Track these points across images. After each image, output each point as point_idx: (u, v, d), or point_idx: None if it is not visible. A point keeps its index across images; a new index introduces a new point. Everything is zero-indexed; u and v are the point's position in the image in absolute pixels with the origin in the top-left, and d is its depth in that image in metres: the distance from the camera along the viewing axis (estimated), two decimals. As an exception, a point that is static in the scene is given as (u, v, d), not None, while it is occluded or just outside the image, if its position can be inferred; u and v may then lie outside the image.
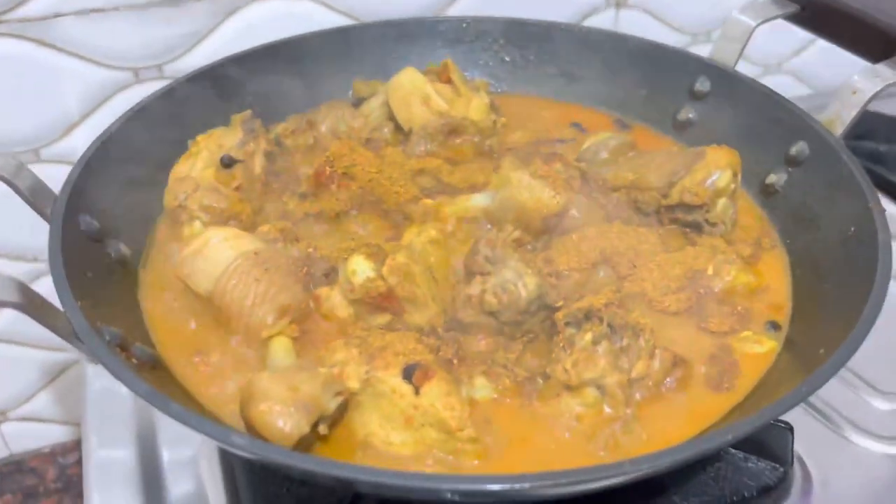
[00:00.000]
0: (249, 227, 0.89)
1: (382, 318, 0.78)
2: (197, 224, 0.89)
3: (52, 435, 1.37)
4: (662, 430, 0.71)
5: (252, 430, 0.65)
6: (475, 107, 1.04)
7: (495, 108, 1.07)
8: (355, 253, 0.78)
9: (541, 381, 0.74)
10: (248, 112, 0.98)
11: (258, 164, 0.95)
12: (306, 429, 0.64)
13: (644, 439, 0.70)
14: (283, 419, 0.63)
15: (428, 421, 0.67)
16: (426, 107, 1.01)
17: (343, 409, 0.70)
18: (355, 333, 0.74)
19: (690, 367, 0.76)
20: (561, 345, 0.74)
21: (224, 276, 0.77)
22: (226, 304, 0.77)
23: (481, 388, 0.73)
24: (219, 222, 0.89)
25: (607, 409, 0.72)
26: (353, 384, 0.69)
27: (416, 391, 0.67)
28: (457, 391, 0.69)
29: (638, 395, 0.73)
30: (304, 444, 0.66)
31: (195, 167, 0.93)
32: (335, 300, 0.79)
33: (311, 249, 0.82)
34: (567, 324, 0.74)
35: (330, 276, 0.82)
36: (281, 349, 0.75)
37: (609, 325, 0.73)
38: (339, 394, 0.68)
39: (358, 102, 1.09)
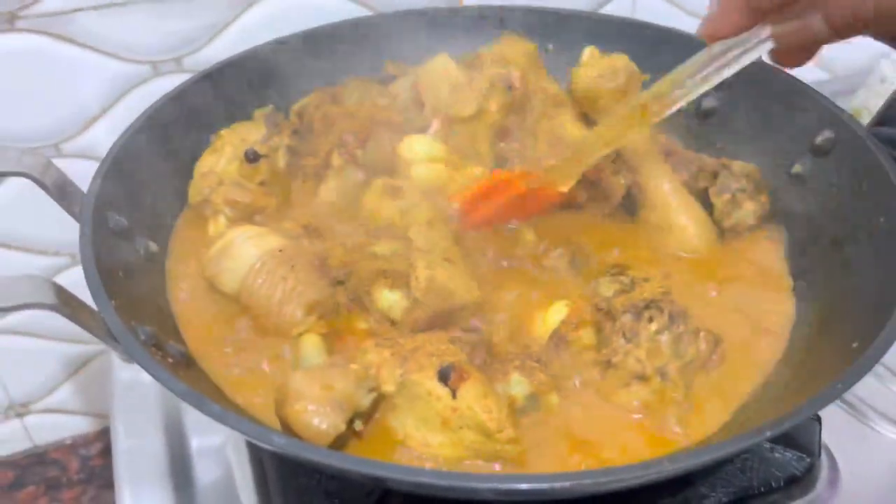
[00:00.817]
0: (275, 221, 0.89)
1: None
2: (222, 219, 0.89)
3: (75, 426, 1.38)
4: (711, 408, 0.74)
5: (287, 429, 0.65)
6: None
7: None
8: (375, 286, 0.77)
9: (597, 374, 0.75)
10: (271, 107, 0.99)
11: (282, 158, 0.95)
12: (342, 427, 0.64)
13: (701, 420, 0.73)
14: (320, 418, 0.64)
15: (466, 423, 0.67)
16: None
17: (377, 404, 0.70)
18: (385, 334, 0.74)
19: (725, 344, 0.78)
20: (621, 333, 0.74)
21: (250, 276, 0.78)
22: (254, 303, 0.78)
23: (517, 383, 0.73)
24: (244, 217, 0.89)
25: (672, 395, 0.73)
26: (389, 387, 0.69)
27: (453, 394, 0.67)
28: (493, 392, 0.69)
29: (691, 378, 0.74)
30: (340, 441, 0.67)
31: (219, 162, 0.93)
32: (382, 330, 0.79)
33: (329, 254, 0.82)
34: (625, 312, 0.75)
35: (354, 300, 0.81)
36: (311, 346, 0.75)
37: (670, 315, 0.74)
38: (372, 389, 0.68)
39: (387, 81, 1.08)
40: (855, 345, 0.66)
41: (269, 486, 0.83)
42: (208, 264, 0.81)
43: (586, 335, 0.77)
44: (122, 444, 0.91)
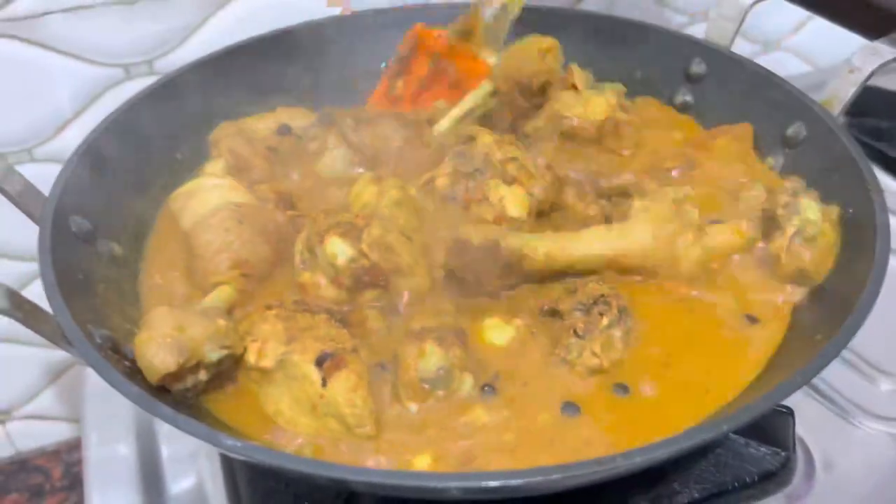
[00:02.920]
0: (259, 181, 0.92)
1: (371, 294, 0.79)
2: (221, 163, 0.94)
3: (58, 433, 1.38)
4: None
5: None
6: (594, 105, 0.99)
7: (624, 108, 1.01)
8: (329, 234, 0.78)
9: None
10: (336, 108, 1.02)
11: (311, 143, 0.98)
12: (172, 367, 0.66)
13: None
14: (154, 351, 0.66)
15: (330, 412, 0.68)
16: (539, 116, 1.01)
17: (234, 363, 0.71)
18: (287, 306, 0.74)
19: None
20: (572, 331, 0.74)
21: (203, 219, 0.82)
22: (194, 245, 0.82)
23: (431, 354, 0.72)
24: (239, 167, 0.93)
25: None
26: (269, 363, 0.70)
27: (324, 382, 0.68)
28: (364, 386, 0.69)
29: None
30: (187, 389, 0.69)
31: (259, 122, 1.01)
32: (321, 285, 0.79)
33: (299, 215, 0.86)
34: (574, 310, 0.74)
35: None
36: (218, 296, 0.78)
37: (619, 309, 0.74)
38: (225, 347, 0.69)
39: None
40: (818, 336, 0.65)
41: (240, 491, 0.82)
42: (176, 198, 0.88)
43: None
44: (93, 451, 0.90)
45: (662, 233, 0.79)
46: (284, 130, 1.00)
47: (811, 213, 0.78)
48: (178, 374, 0.68)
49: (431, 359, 0.71)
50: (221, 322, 0.70)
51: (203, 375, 0.69)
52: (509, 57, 0.99)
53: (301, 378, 0.69)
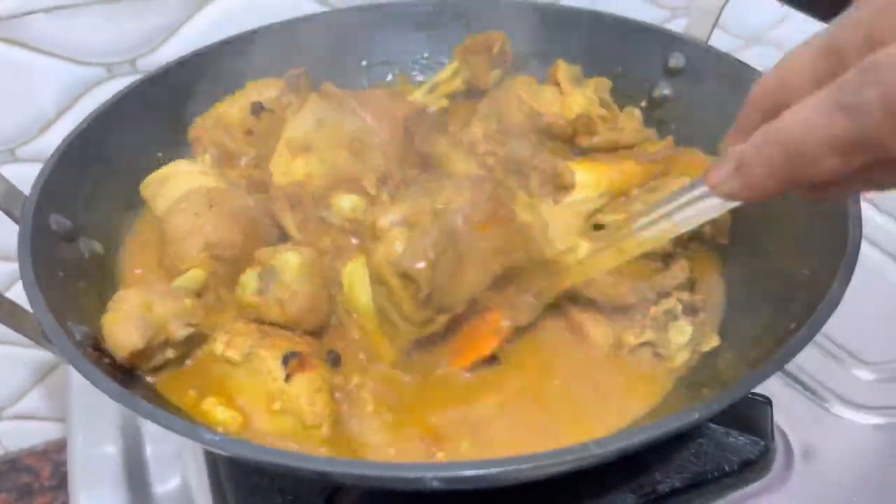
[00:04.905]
0: (249, 165, 0.94)
1: None
2: (207, 158, 0.94)
3: (46, 432, 1.38)
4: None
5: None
6: (570, 102, 0.98)
7: (606, 105, 1.01)
8: (334, 194, 0.80)
9: None
10: (302, 70, 1.02)
11: (289, 114, 0.95)
12: (140, 344, 0.67)
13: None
14: (121, 328, 0.68)
15: (289, 409, 0.69)
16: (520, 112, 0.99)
17: (199, 341, 0.74)
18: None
19: None
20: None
21: (175, 204, 0.82)
22: (166, 230, 0.82)
23: None
24: (225, 158, 0.95)
25: None
26: (236, 355, 0.71)
27: (287, 378, 0.69)
28: (328, 391, 0.70)
29: None
30: (153, 364, 0.71)
31: (232, 106, 1.00)
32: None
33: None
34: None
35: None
36: (189, 277, 0.78)
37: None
38: (192, 325, 0.71)
39: None
40: (792, 325, 0.66)
41: (224, 487, 0.82)
42: (148, 184, 0.89)
43: None
44: (78, 451, 0.90)
45: None
46: (257, 109, 0.99)
47: (678, 336, 0.75)
48: (145, 352, 0.69)
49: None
50: (188, 301, 0.72)
51: (171, 353, 0.71)
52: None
53: (265, 372, 0.70)
